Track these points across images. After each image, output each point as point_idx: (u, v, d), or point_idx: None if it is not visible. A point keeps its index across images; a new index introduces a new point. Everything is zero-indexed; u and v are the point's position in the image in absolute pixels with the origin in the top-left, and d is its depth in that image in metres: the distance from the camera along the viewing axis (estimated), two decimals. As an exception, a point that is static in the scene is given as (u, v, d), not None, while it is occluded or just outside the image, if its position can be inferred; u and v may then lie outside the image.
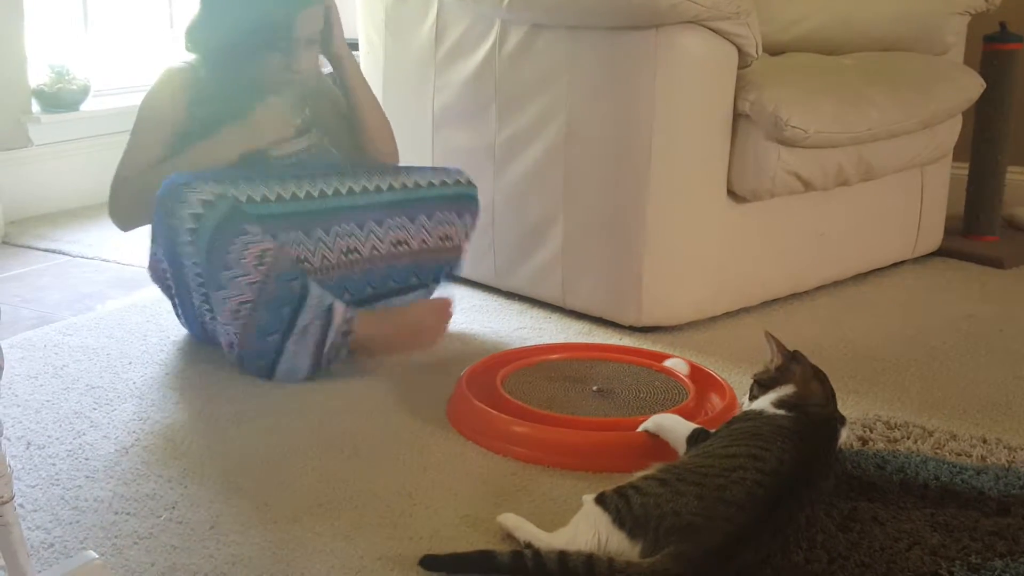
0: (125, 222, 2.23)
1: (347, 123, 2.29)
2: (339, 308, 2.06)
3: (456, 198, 2.30)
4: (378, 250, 2.20)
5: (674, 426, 1.69)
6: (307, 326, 2.03)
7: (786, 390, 1.63)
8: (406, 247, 2.24)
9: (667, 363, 2.06)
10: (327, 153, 2.31)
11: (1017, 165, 3.23)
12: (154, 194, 2.05)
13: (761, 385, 1.67)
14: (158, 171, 2.11)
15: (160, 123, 2.16)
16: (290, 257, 2.05)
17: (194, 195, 1.97)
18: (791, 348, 1.70)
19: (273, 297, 2.00)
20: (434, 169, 2.33)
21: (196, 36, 2.16)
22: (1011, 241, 3.13)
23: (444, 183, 2.28)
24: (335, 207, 2.16)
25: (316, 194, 2.15)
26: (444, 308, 2.22)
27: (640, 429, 1.74)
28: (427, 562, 1.43)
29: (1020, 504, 1.59)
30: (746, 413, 1.63)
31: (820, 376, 1.67)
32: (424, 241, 2.26)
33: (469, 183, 2.33)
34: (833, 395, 1.67)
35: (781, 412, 1.58)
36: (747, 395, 1.70)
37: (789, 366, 1.67)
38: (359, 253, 2.18)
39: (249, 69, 2.12)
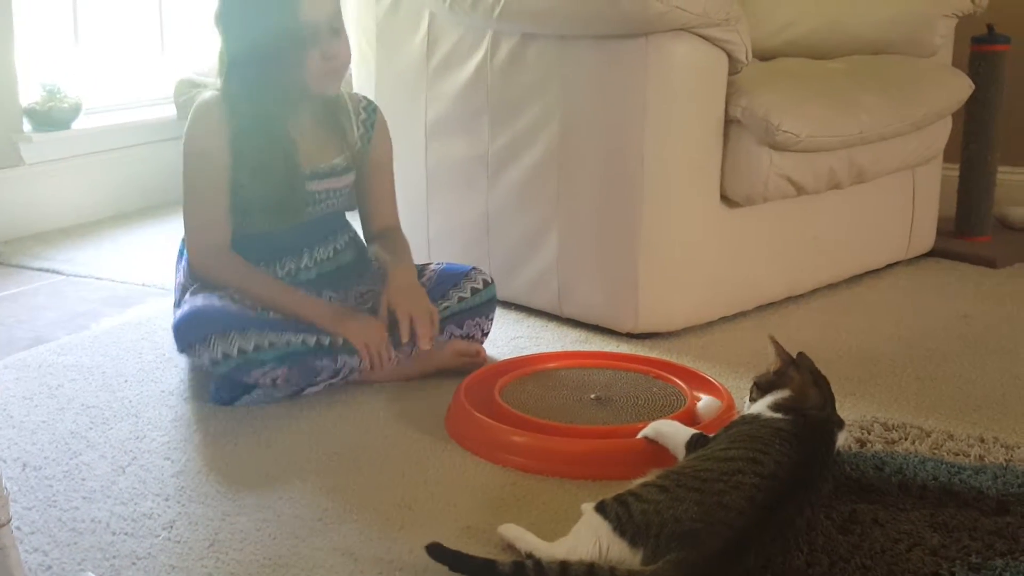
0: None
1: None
2: (345, 367, 2.05)
3: (485, 303, 2.24)
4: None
5: (673, 432, 1.69)
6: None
7: (783, 394, 1.64)
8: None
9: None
10: (344, 207, 2.26)
11: (1007, 165, 3.24)
12: (231, 281, 2.07)
13: (760, 388, 1.68)
14: (240, 272, 2.09)
15: (213, 165, 2.07)
16: (307, 371, 2.01)
17: (207, 352, 1.95)
18: (795, 351, 1.70)
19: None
20: (461, 275, 2.24)
21: (223, 63, 2.07)
22: (1003, 241, 3.14)
23: (475, 290, 2.22)
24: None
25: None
26: (472, 353, 2.20)
27: (640, 436, 1.74)
28: (433, 550, 1.41)
29: (1019, 503, 1.59)
30: (743, 417, 1.64)
31: (819, 381, 1.67)
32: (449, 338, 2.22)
33: (491, 282, 2.26)
34: (832, 399, 1.68)
35: (778, 416, 1.59)
36: (748, 397, 1.71)
37: (787, 371, 1.67)
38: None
39: (277, 76, 2.04)
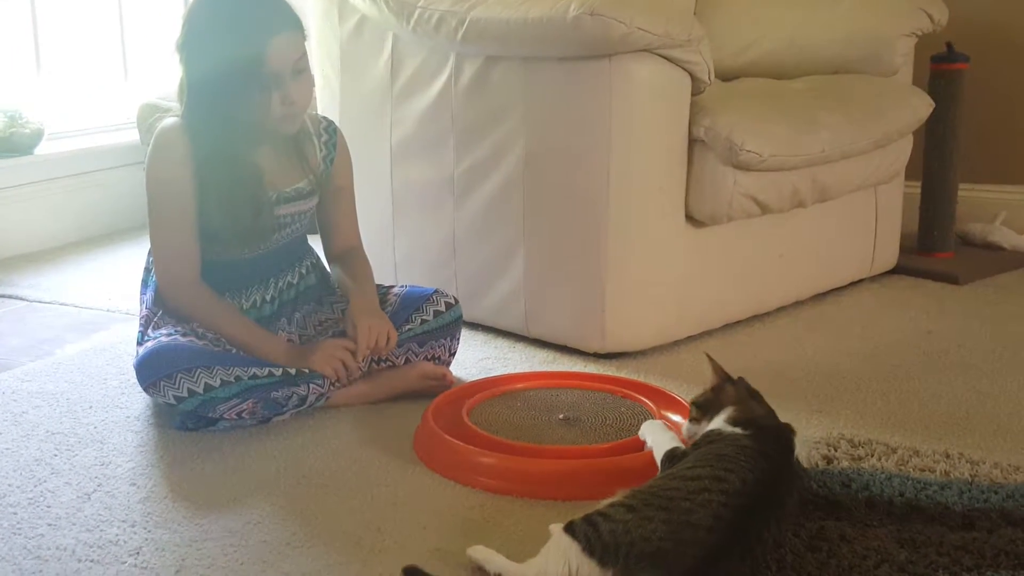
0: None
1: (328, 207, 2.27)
2: (312, 394, 2.05)
3: (450, 324, 2.23)
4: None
5: (655, 444, 1.69)
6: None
7: (730, 410, 1.65)
8: (389, 363, 2.21)
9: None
10: (307, 230, 2.25)
11: (968, 182, 3.28)
12: (199, 313, 2.08)
13: (699, 407, 1.69)
14: (209, 306, 2.09)
15: (178, 194, 2.05)
16: (274, 403, 2.01)
17: (171, 390, 1.94)
18: (762, 369, 1.71)
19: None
20: (423, 298, 2.23)
21: (184, 91, 2.06)
22: (965, 257, 3.18)
23: (438, 313, 2.21)
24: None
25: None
26: (438, 376, 2.19)
27: (640, 435, 1.77)
28: (409, 572, 1.43)
29: (984, 518, 1.60)
30: (708, 435, 1.63)
31: (756, 396, 1.69)
32: (408, 360, 2.21)
33: (456, 303, 2.25)
34: (773, 413, 1.68)
35: (738, 430, 1.59)
36: (688, 418, 1.72)
37: (723, 387, 1.69)
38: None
39: (239, 115, 2.03)
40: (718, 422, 1.64)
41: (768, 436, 1.58)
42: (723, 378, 1.70)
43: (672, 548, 1.35)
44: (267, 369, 1.99)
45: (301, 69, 2.04)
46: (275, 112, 2.02)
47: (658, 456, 1.66)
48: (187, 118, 2.06)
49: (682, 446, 1.65)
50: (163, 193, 2.07)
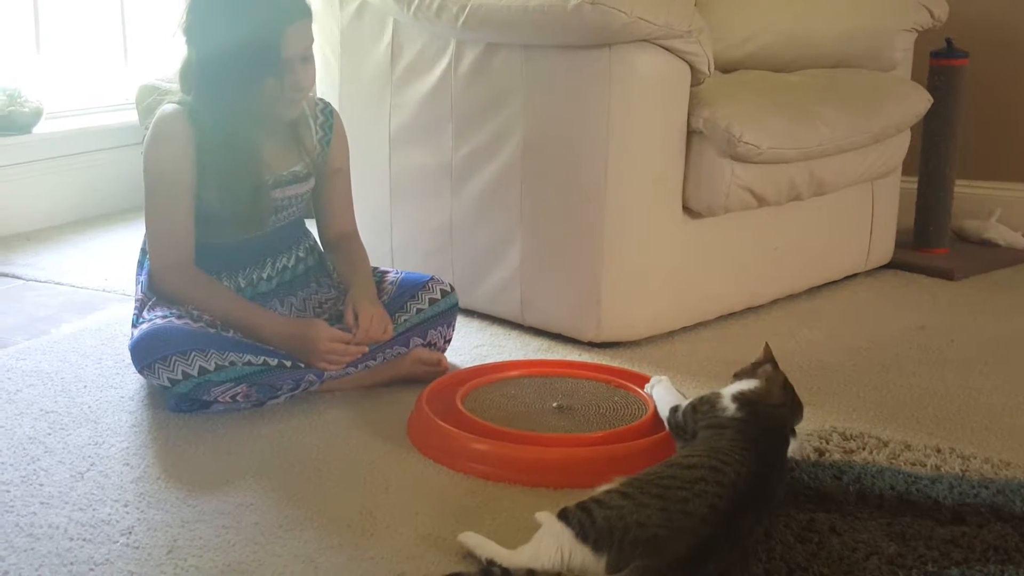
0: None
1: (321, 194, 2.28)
2: (306, 381, 2.05)
3: (445, 312, 2.22)
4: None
5: (659, 402, 1.81)
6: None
7: (749, 384, 1.68)
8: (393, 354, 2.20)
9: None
10: (303, 213, 2.25)
11: (965, 178, 3.28)
12: (194, 298, 2.06)
13: (736, 377, 1.74)
14: (202, 289, 2.08)
15: (176, 183, 2.05)
16: (268, 387, 2.01)
17: (166, 372, 1.93)
18: (739, 365, 1.77)
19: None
20: (419, 285, 2.22)
21: (189, 76, 2.05)
22: (961, 253, 3.18)
23: (433, 300, 2.20)
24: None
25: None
26: (433, 362, 2.19)
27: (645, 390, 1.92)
28: None
29: (974, 512, 1.61)
30: (703, 399, 1.69)
31: (787, 386, 1.71)
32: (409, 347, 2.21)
33: (452, 290, 2.24)
34: (794, 406, 1.70)
35: (734, 408, 1.63)
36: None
37: (764, 364, 1.73)
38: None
39: (248, 99, 2.03)
40: (725, 390, 1.68)
41: (762, 424, 1.59)
42: (768, 359, 1.74)
43: (667, 535, 1.36)
44: (262, 358, 1.99)
45: (308, 55, 2.05)
46: (284, 97, 2.03)
47: (663, 410, 1.77)
48: (191, 102, 2.06)
49: (684, 403, 1.73)
50: (161, 182, 2.07)
